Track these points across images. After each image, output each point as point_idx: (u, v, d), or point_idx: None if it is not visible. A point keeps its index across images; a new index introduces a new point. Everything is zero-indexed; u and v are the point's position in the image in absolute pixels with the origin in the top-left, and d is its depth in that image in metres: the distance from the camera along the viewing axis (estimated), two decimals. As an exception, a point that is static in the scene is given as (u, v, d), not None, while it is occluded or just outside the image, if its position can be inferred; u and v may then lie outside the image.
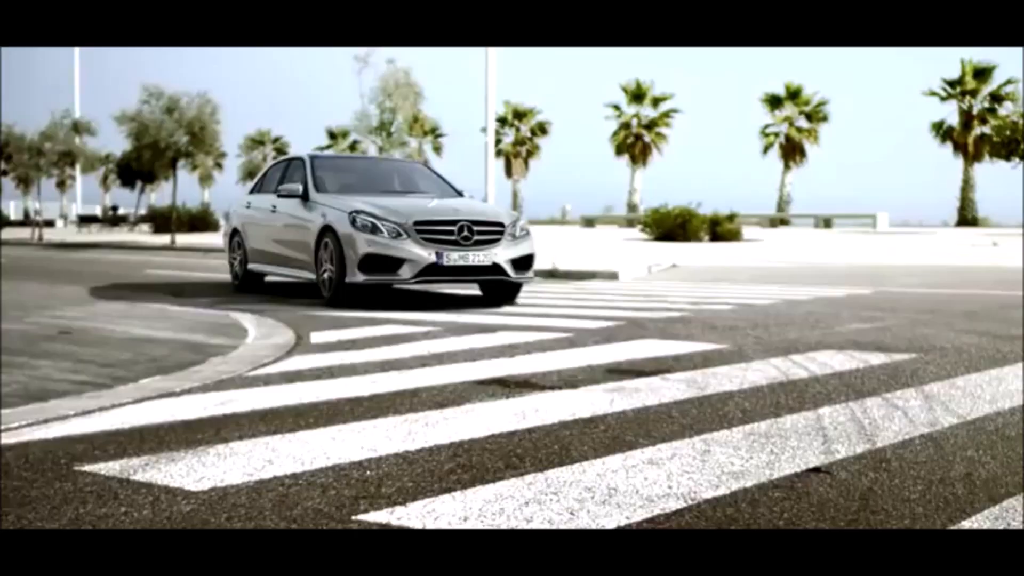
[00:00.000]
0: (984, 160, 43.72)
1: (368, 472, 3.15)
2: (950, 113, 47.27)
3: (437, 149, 56.92)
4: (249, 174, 69.24)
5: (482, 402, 4.34)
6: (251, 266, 11.55)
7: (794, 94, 51.05)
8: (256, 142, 69.01)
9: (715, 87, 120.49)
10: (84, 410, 4.15)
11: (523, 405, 4.27)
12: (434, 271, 9.01)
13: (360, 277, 9.06)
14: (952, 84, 46.60)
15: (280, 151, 66.39)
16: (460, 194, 10.92)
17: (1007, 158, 34.77)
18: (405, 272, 8.99)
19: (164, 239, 31.08)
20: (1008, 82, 44.78)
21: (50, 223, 48.47)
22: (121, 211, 51.33)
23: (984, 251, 22.89)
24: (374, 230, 9.10)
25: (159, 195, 58.08)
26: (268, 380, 5.03)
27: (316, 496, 2.88)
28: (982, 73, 45.40)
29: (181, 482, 3.02)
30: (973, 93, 45.68)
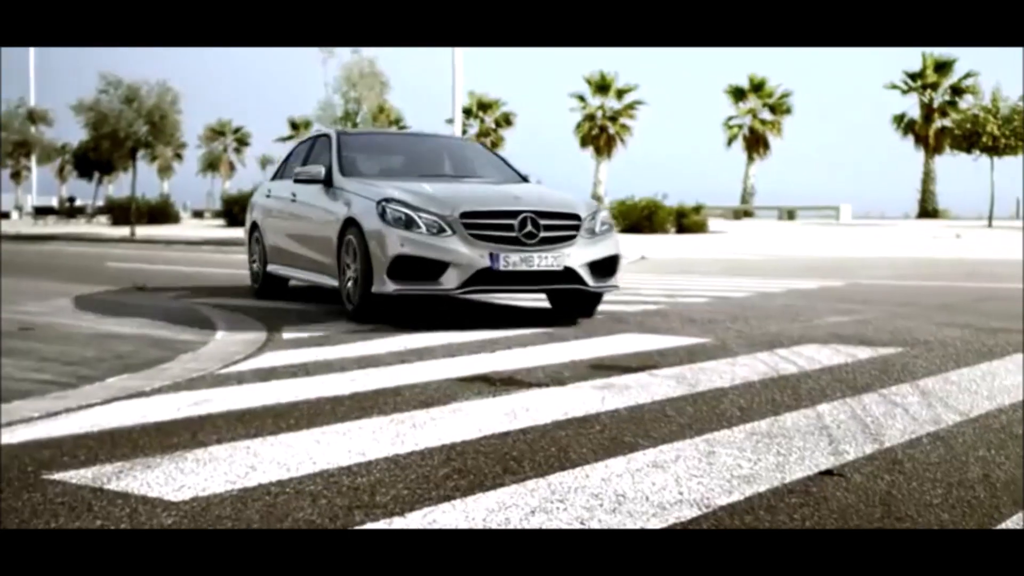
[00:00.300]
0: (945, 152, 44.17)
1: (359, 479, 2.97)
2: (911, 106, 47.76)
3: (400, 140, 56.53)
4: (210, 165, 68.50)
5: (468, 401, 4.18)
6: (271, 267, 9.31)
7: (758, 86, 51.28)
8: (216, 132, 68.17)
9: (679, 79, 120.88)
10: (49, 412, 3.93)
11: (512, 403, 4.11)
12: (487, 278, 6.71)
13: (390, 286, 6.78)
14: (913, 77, 47.00)
15: (241, 142, 65.70)
16: (524, 179, 8.45)
17: (968, 151, 35.13)
18: (449, 280, 6.69)
19: (123, 231, 30.54)
20: (968, 75, 45.25)
21: (5, 215, 47.51)
22: (78, 202, 50.42)
23: (947, 243, 23.07)
24: (409, 224, 6.82)
25: (117, 186, 57.12)
26: (242, 378, 4.83)
27: (306, 506, 2.70)
28: (943, 67, 45.84)
29: (160, 491, 2.83)
30: (934, 86, 46.12)
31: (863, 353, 5.60)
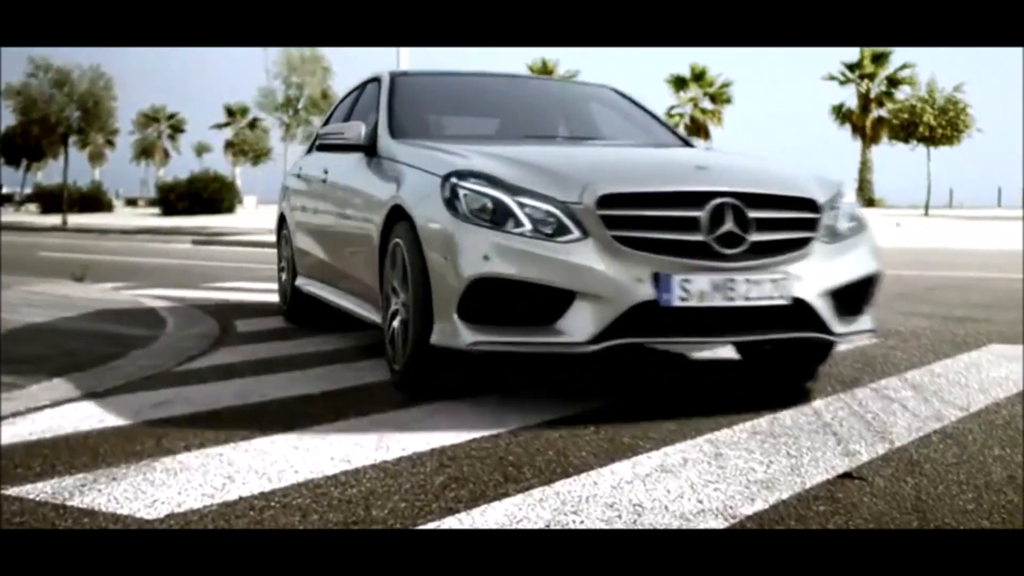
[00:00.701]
0: (882, 142, 44.89)
1: (349, 490, 2.73)
2: (849, 96, 48.43)
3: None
4: (143, 152, 66.92)
5: (448, 399, 3.95)
6: (301, 282, 6.26)
7: (699, 76, 51.56)
8: (150, 119, 66.59)
9: (620, 68, 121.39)
10: (-4, 416, 3.62)
11: (491, 401, 3.89)
12: (649, 324, 3.43)
13: (465, 335, 3.53)
14: (851, 68, 47.67)
15: (176, 128, 64.26)
16: (688, 143, 5.30)
17: (906, 140, 35.71)
18: (576, 325, 3.41)
19: (54, 219, 29.60)
20: (904, 66, 46.06)
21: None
22: (5, 190, 48.88)
23: (889, 232, 23.35)
24: (500, 218, 3.54)
25: (46, 173, 55.51)
26: (201, 376, 4.54)
27: (297, 523, 2.46)
28: (879, 58, 46.54)
29: (130, 508, 2.56)
30: (871, 77, 46.81)
31: (840, 344, 5.48)
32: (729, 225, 3.46)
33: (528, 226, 3.48)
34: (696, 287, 3.37)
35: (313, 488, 2.74)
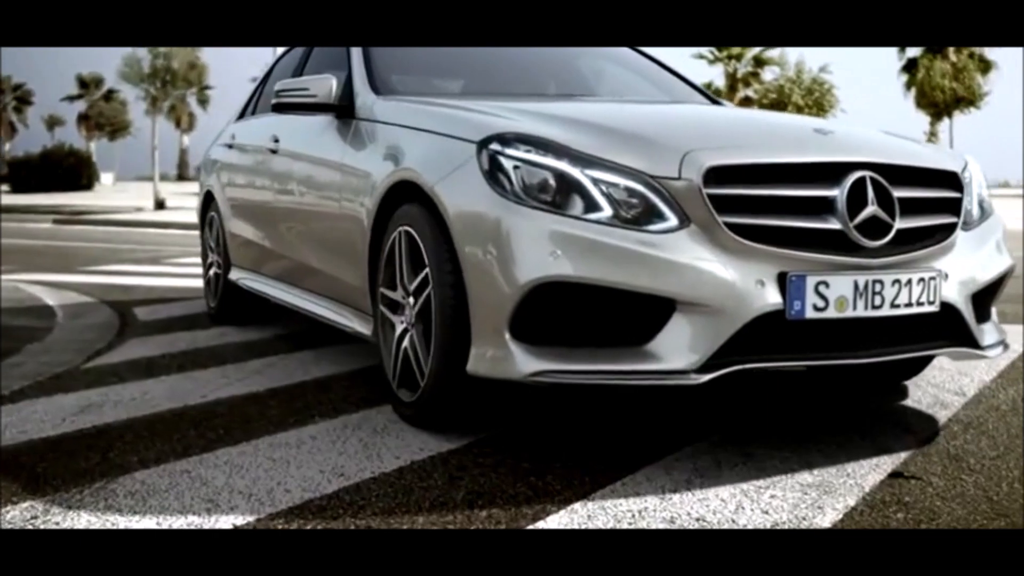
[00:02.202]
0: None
1: (359, 508, 2.35)
2: (717, 76, 49.41)
3: (203, 102, 53.65)
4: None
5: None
6: (236, 275, 5.12)
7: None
8: (-8, 90, 62.46)
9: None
10: None
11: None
12: (777, 341, 2.55)
13: (523, 363, 2.55)
14: (719, 48, 48.61)
15: (23, 100, 60.58)
16: (716, 102, 4.38)
17: (773, 120, 36.53)
18: (676, 346, 2.49)
19: None
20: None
21: None
22: None
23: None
24: (568, 197, 2.57)
25: None
26: (120, 374, 4.03)
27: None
28: (744, 38, 47.56)
29: (105, 546, 2.12)
30: (738, 57, 47.87)
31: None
32: (873, 208, 2.62)
33: (607, 210, 2.53)
34: (835, 292, 2.53)
35: (317, 511, 2.35)
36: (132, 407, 3.43)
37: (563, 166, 2.59)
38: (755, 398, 3.54)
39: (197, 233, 6.18)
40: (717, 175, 2.54)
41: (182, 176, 61.23)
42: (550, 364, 2.52)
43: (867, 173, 2.64)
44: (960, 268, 2.83)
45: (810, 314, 2.50)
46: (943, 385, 3.77)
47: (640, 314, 2.49)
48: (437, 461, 2.74)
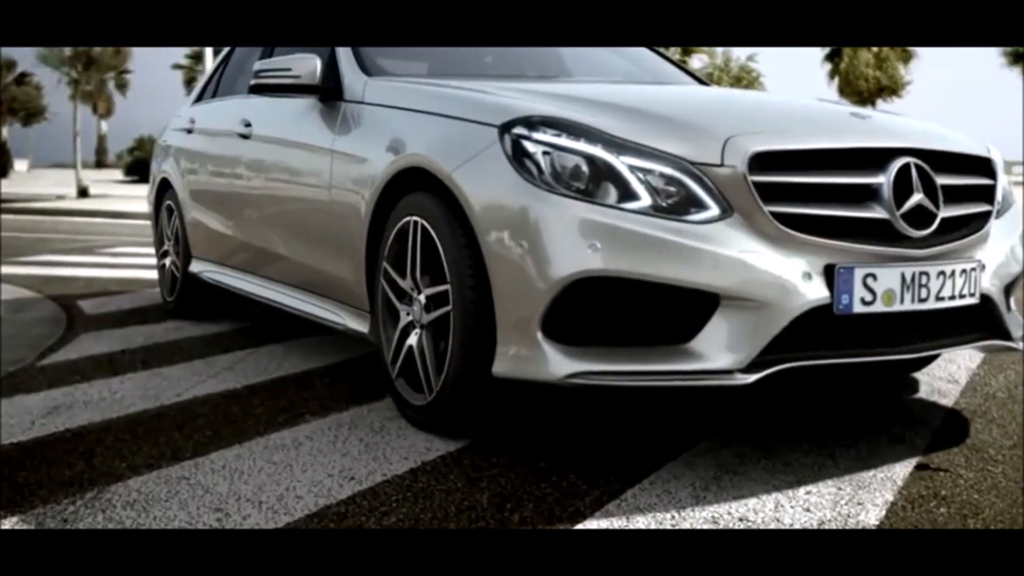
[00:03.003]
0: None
1: (382, 515, 2.21)
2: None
3: (122, 87, 52.16)
4: None
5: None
6: (197, 267, 4.86)
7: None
8: None
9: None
10: None
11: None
12: (824, 337, 2.42)
13: (560, 363, 2.37)
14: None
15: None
16: (703, 82, 4.40)
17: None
18: (720, 344, 2.33)
19: None
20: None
21: None
22: None
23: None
24: (602, 185, 2.39)
25: None
26: (82, 371, 3.81)
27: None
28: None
29: (116, 565, 1.95)
30: (666, 45, 48.32)
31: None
32: (919, 196, 2.50)
33: (646, 199, 2.34)
34: (883, 285, 2.41)
35: (337, 518, 2.20)
36: (104, 408, 3.22)
37: (597, 151, 2.40)
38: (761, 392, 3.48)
39: (127, 222, 5.83)
40: (762, 161, 2.38)
41: (101, 163, 59.44)
42: (586, 365, 2.33)
43: (911, 159, 2.52)
44: (994, 258, 2.74)
45: (858, 308, 2.37)
46: (933, 373, 3.75)
47: (682, 310, 2.33)
48: (449, 462, 2.61)
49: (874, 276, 2.39)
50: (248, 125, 4.15)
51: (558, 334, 2.37)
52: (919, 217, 2.50)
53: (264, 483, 2.44)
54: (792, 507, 2.28)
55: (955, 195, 2.65)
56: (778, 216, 2.35)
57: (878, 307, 2.40)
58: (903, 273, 2.43)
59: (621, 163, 2.38)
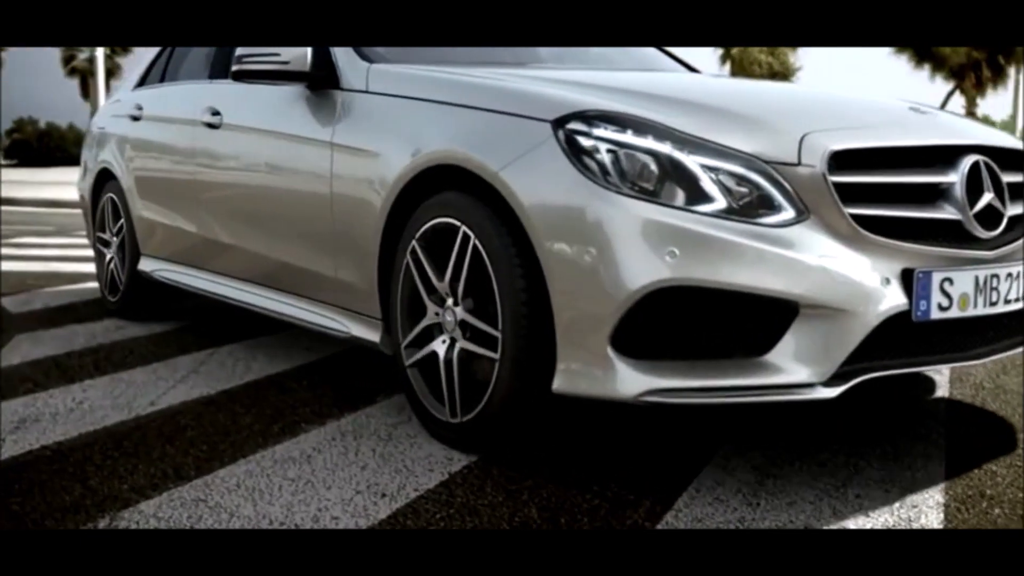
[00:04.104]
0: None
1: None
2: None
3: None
4: None
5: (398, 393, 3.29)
6: (148, 265, 4.53)
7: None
8: None
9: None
10: None
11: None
12: (902, 345, 2.33)
13: (634, 380, 2.21)
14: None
15: None
16: (692, 69, 4.21)
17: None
18: (799, 355, 2.19)
19: None
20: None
21: None
22: None
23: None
24: (673, 187, 2.23)
25: None
26: (32, 378, 3.54)
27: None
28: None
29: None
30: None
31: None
32: (989, 195, 2.40)
33: (720, 201, 2.19)
34: (958, 289, 2.31)
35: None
36: (76, 420, 2.99)
37: (667, 149, 2.22)
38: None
39: (22, 210, 5.41)
40: (840, 160, 2.25)
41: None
42: (660, 381, 2.17)
43: (980, 157, 2.41)
44: None
45: (935, 314, 2.27)
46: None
47: (758, 320, 2.18)
48: (478, 473, 2.48)
49: (950, 280, 2.30)
50: (216, 114, 3.82)
51: (627, 348, 2.21)
52: (989, 217, 2.41)
53: (291, 503, 2.27)
54: (851, 512, 2.23)
55: (1018, 193, 2.56)
56: (856, 218, 2.23)
57: (953, 312, 2.30)
58: (976, 276, 2.34)
59: (693, 162, 2.22)
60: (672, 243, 2.14)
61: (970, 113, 49.31)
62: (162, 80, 4.70)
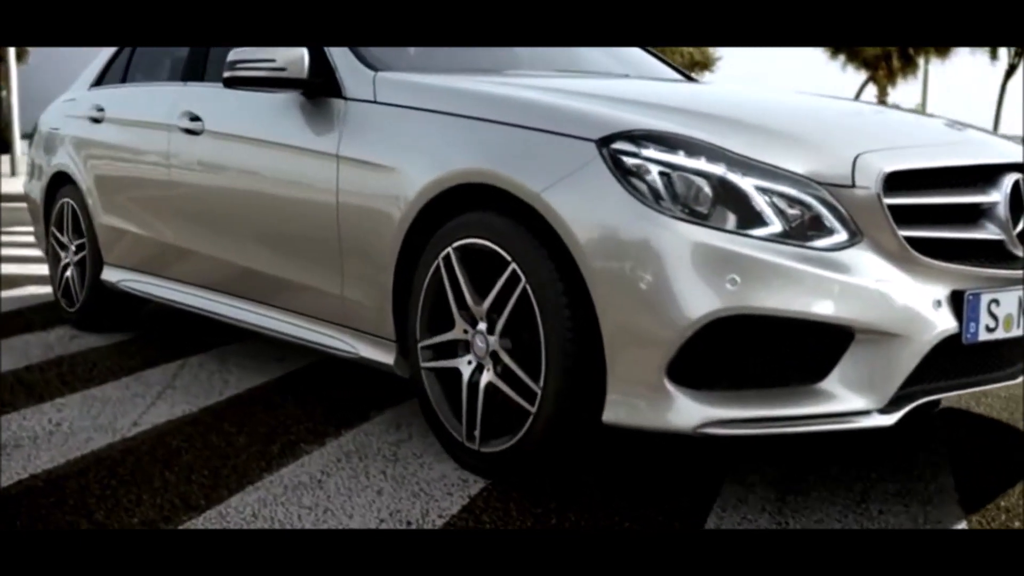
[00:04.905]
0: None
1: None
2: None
3: None
4: None
5: (392, 407, 3.23)
6: (114, 275, 4.29)
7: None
8: None
9: None
10: None
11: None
12: (951, 368, 2.32)
13: (693, 411, 2.15)
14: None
15: None
16: (690, 78, 4.15)
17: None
18: (854, 382, 2.17)
19: None
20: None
21: None
22: None
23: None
24: (726, 211, 2.18)
25: None
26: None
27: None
28: None
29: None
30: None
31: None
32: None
33: (776, 224, 2.14)
34: (1004, 310, 2.29)
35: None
36: (60, 444, 2.86)
37: (721, 171, 2.17)
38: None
39: None
40: (897, 181, 2.23)
41: None
42: (719, 412, 2.11)
43: (1020, 176, 2.40)
44: None
45: (982, 336, 2.25)
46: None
47: (814, 346, 2.13)
48: (498, 496, 2.44)
49: (997, 302, 2.27)
50: (196, 119, 3.62)
51: (683, 377, 2.14)
52: None
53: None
54: (878, 527, 2.26)
55: None
56: (909, 240, 2.21)
57: (999, 333, 2.29)
58: (1020, 297, 2.32)
59: (747, 183, 2.17)
60: (733, 270, 2.09)
61: (881, 102, 50.71)
62: (124, 80, 4.48)
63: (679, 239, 2.12)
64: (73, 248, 4.60)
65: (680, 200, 2.16)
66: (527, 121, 2.45)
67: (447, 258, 2.54)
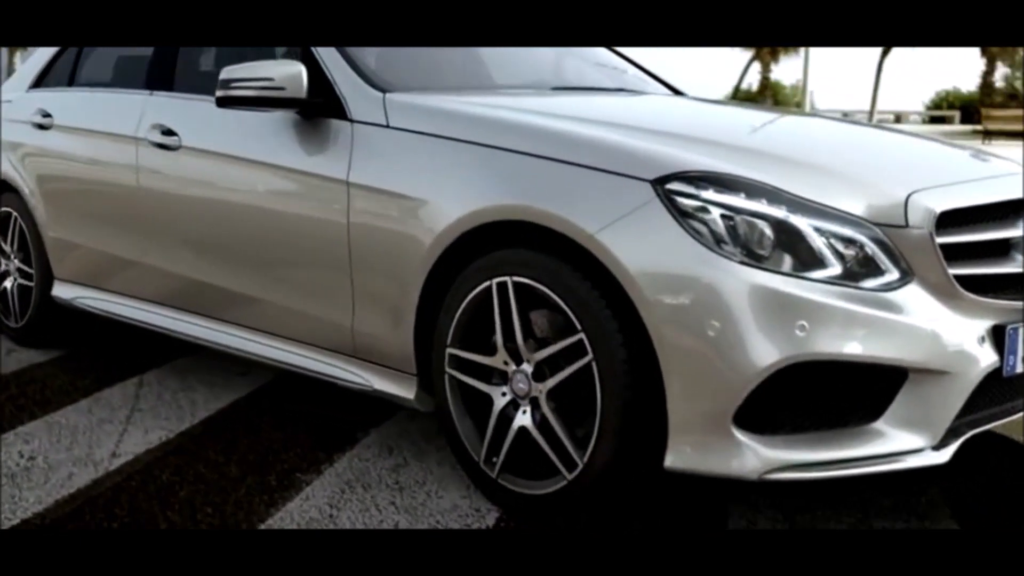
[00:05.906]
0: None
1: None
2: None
3: None
4: None
5: (384, 423, 3.21)
6: (67, 292, 4.02)
7: None
8: None
9: None
10: None
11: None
12: (993, 401, 2.38)
13: (759, 457, 2.14)
14: None
15: None
16: (678, 92, 4.04)
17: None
18: (907, 421, 2.20)
19: None
20: None
21: None
22: None
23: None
24: (786, 253, 2.17)
25: None
26: None
27: None
28: None
29: None
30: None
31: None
32: None
33: (835, 267, 2.15)
34: None
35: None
36: (41, 483, 2.75)
37: (782, 214, 2.16)
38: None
39: None
40: (949, 220, 2.26)
41: None
42: (784, 457, 2.11)
43: None
44: None
45: (1019, 368, 2.29)
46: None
47: (871, 387, 2.16)
48: (515, 525, 2.47)
49: None
50: (170, 133, 3.40)
51: (748, 423, 2.13)
52: None
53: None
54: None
55: None
56: (959, 278, 2.24)
57: None
58: None
59: (808, 225, 2.16)
60: (801, 315, 2.08)
61: (765, 78, 52.03)
62: (71, 83, 4.19)
63: (744, 284, 2.10)
64: (15, 262, 4.33)
65: (741, 243, 2.15)
66: (571, 157, 2.37)
67: (503, 287, 2.42)
